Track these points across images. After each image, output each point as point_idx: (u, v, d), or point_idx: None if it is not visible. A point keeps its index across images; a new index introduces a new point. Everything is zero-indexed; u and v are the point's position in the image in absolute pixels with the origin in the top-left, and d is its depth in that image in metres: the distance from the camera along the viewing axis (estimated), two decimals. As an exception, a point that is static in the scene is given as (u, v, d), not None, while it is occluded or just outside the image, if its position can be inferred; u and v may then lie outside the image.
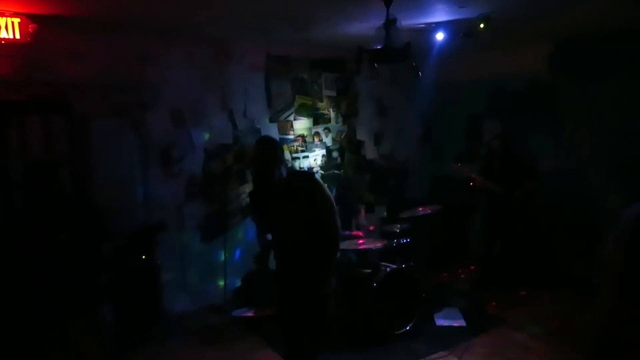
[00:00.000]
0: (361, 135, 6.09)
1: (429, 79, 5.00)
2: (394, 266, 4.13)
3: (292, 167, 5.42)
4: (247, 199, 4.99)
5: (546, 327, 4.14)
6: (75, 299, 2.57)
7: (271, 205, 2.77)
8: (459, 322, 4.29)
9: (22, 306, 2.56)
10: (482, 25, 3.87)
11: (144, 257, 4.12)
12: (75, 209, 2.73)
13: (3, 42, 3.57)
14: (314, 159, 5.65)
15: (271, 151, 2.71)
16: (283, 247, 2.85)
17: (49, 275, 2.52)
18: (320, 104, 5.67)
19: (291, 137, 5.47)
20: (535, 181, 4.88)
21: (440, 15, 3.88)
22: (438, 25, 4.12)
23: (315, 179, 2.82)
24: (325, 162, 5.74)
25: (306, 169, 5.51)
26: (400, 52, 3.20)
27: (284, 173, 2.73)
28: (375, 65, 3.53)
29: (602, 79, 4.83)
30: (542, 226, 5.27)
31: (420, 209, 4.80)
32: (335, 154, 5.86)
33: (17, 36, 3.59)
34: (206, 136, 4.86)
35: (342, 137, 5.91)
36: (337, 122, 5.85)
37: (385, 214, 6.12)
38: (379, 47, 3.28)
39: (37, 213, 2.61)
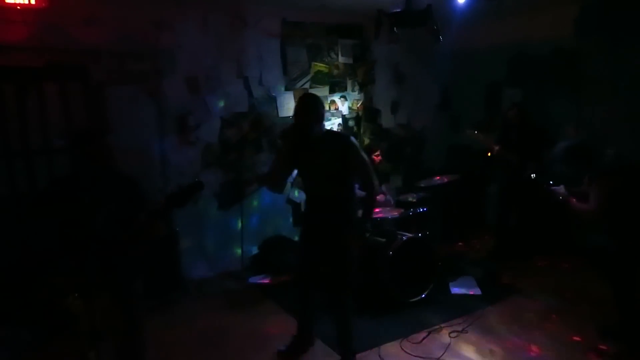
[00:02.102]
0: (378, 103, 6.00)
1: (448, 45, 4.87)
2: (410, 235, 4.13)
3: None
4: (279, 141, 4.93)
5: (561, 296, 4.13)
6: (111, 267, 2.57)
7: (302, 156, 2.95)
8: (474, 291, 4.30)
9: (54, 266, 2.57)
10: (506, -13, 3.72)
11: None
12: (117, 178, 2.70)
13: (18, 7, 3.56)
14: (330, 128, 5.61)
15: (313, 107, 2.89)
16: (313, 198, 3.06)
17: (84, 242, 2.52)
18: (336, 72, 5.58)
19: (307, 105, 5.40)
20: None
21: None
22: (460, -13, 3.99)
23: (350, 141, 2.92)
24: (341, 130, 5.69)
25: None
26: (422, 14, 3.11)
27: (322, 130, 2.94)
28: (395, 29, 3.43)
29: (630, 44, 4.64)
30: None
31: (437, 178, 4.76)
32: (351, 123, 5.80)
33: (32, 1, 3.56)
34: (221, 104, 4.84)
35: (359, 105, 5.84)
36: (353, 90, 5.76)
37: (401, 183, 6.09)
38: (398, 10, 3.19)
39: (79, 180, 2.60)
